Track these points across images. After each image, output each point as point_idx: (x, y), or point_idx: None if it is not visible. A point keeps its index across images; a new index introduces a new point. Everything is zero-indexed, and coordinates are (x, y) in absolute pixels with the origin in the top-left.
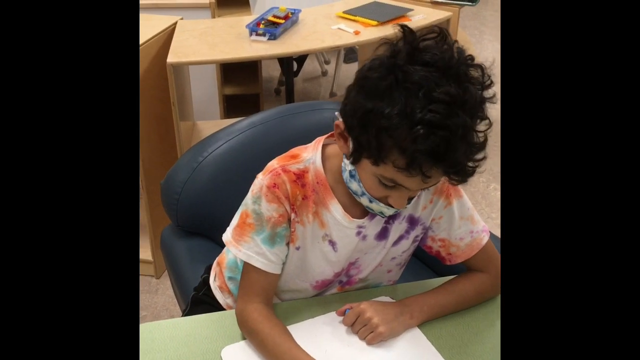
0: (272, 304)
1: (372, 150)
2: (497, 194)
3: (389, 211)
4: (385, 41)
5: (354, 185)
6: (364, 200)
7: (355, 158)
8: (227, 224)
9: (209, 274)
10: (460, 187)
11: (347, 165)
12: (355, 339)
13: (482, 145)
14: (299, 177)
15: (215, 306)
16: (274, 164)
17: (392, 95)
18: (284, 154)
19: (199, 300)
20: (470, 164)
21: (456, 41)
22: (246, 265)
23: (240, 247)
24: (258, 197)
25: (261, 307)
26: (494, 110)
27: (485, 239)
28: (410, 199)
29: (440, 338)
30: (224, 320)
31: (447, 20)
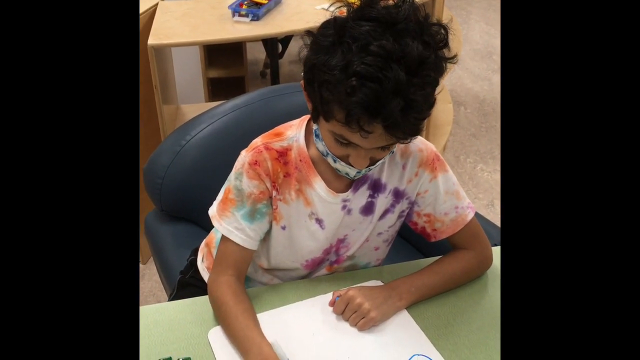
0: (244, 279)
1: (319, 106)
2: (485, 175)
3: (352, 171)
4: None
5: (320, 146)
6: (330, 161)
7: (314, 116)
8: None
9: (196, 256)
10: (446, 166)
11: (314, 126)
12: (342, 321)
13: (425, 104)
14: (282, 155)
15: (202, 288)
16: (257, 141)
17: (334, 50)
18: (269, 132)
19: (185, 283)
20: (411, 121)
21: (414, 1)
22: (223, 238)
23: (222, 222)
24: (240, 174)
25: (232, 281)
26: (476, 87)
27: (470, 215)
28: (374, 162)
29: (426, 319)
30: (208, 304)
31: (433, 0)
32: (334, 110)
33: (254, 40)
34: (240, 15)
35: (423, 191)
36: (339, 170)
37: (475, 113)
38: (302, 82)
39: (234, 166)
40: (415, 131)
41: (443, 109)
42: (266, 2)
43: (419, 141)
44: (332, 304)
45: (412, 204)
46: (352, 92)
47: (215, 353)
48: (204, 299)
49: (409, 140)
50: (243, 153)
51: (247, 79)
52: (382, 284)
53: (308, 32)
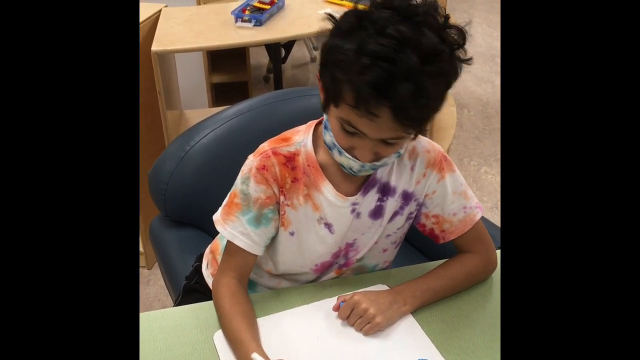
0: (247, 282)
1: (330, 89)
2: (489, 178)
3: (356, 165)
4: None
5: (327, 137)
6: (335, 155)
7: (325, 104)
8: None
9: (200, 262)
10: (454, 166)
11: (324, 117)
12: (347, 325)
13: (436, 94)
14: (289, 160)
15: (207, 294)
16: (265, 146)
17: (352, 34)
18: (276, 137)
19: (191, 289)
20: (419, 108)
21: (436, 1)
22: (229, 242)
23: (226, 226)
24: (247, 178)
25: (232, 283)
26: (479, 90)
27: (479, 215)
28: (379, 159)
29: (431, 322)
30: (213, 310)
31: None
32: (343, 91)
33: (257, 45)
34: (243, 21)
35: (431, 192)
36: (342, 165)
37: (478, 116)
38: (317, 73)
39: (241, 170)
40: (423, 121)
41: (446, 112)
42: (269, 7)
43: (426, 142)
44: (337, 309)
45: (420, 205)
46: (364, 71)
47: (220, 355)
48: (209, 305)
49: (413, 133)
50: (250, 157)
51: (250, 84)
52: (387, 288)
53: (330, 16)
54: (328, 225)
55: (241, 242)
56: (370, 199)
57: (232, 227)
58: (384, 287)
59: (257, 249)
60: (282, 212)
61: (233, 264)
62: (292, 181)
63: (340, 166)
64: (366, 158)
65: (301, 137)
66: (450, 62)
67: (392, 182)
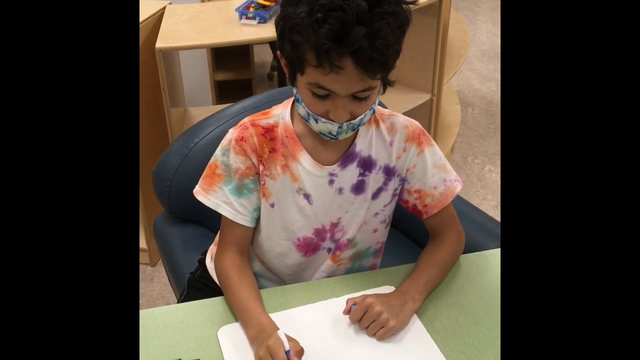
0: (248, 256)
1: (292, 58)
2: (493, 176)
3: (334, 128)
4: None
5: (301, 110)
6: (312, 124)
7: (291, 77)
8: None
9: (205, 256)
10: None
11: (293, 91)
12: (352, 326)
13: (390, 34)
14: (268, 131)
15: (212, 287)
16: (245, 119)
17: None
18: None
19: (195, 282)
20: (378, 51)
21: None
22: (223, 219)
23: (209, 196)
24: (227, 150)
25: (235, 257)
26: (484, 88)
27: (459, 187)
28: (355, 117)
29: (435, 319)
30: (218, 306)
31: (440, 1)
32: (305, 54)
33: (261, 42)
34: (247, 18)
35: (412, 166)
36: (322, 133)
37: (482, 114)
38: (278, 53)
39: (221, 142)
40: (385, 64)
41: (450, 110)
42: (273, 4)
43: (403, 119)
44: (348, 312)
45: (403, 181)
46: (318, 26)
47: (223, 351)
48: (213, 301)
49: (379, 81)
50: (230, 130)
51: (254, 81)
52: (394, 288)
53: None
54: (307, 196)
55: (225, 210)
56: (351, 174)
57: (215, 197)
58: (392, 288)
59: (242, 219)
60: (262, 182)
61: (231, 238)
62: (270, 151)
63: (319, 135)
64: (342, 118)
65: (280, 110)
66: (397, 3)
67: (373, 156)
